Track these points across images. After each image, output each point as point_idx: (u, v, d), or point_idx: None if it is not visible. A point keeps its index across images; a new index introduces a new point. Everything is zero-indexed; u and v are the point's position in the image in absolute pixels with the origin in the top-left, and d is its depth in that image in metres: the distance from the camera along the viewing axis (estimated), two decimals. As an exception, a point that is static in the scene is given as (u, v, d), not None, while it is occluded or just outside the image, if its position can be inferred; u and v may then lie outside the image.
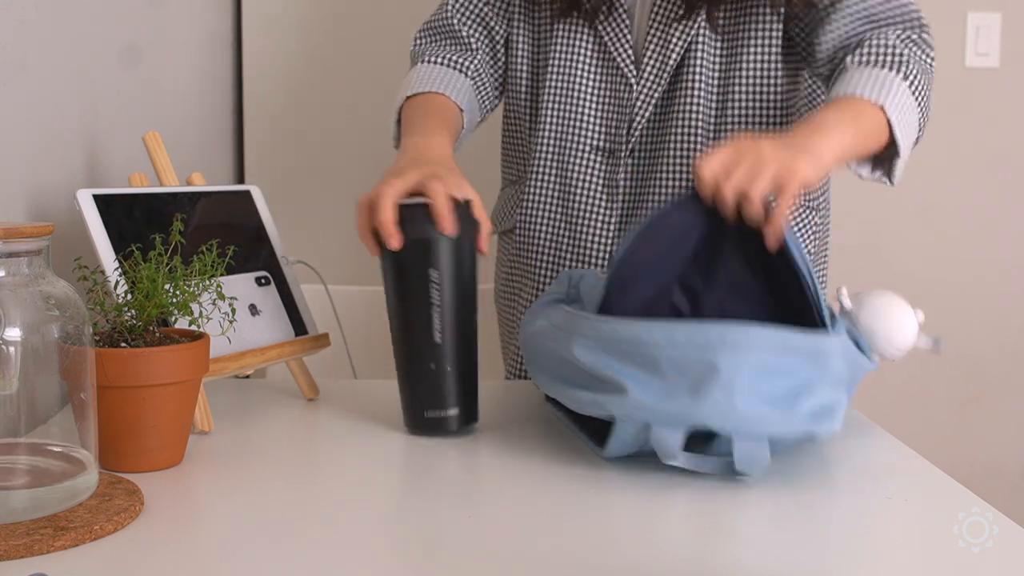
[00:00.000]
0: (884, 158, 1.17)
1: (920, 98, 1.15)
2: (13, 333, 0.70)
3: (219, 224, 1.05)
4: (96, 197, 0.95)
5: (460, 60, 1.28)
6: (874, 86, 1.12)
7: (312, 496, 0.78)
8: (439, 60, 1.28)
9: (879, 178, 1.18)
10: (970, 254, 2.27)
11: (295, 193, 1.91)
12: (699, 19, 1.21)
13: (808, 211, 1.29)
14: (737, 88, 1.23)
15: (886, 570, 0.65)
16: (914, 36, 1.17)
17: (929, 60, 1.19)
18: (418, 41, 1.33)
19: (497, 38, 1.31)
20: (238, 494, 0.78)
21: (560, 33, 1.26)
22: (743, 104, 1.23)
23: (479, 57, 1.30)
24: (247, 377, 1.15)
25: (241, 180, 1.91)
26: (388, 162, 1.92)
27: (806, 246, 1.29)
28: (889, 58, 1.15)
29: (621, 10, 1.23)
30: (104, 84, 1.20)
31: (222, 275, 0.95)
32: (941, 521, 0.74)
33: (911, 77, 1.14)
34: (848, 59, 1.16)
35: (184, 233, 0.98)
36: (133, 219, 0.97)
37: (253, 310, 1.04)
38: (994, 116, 2.24)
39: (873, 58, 1.15)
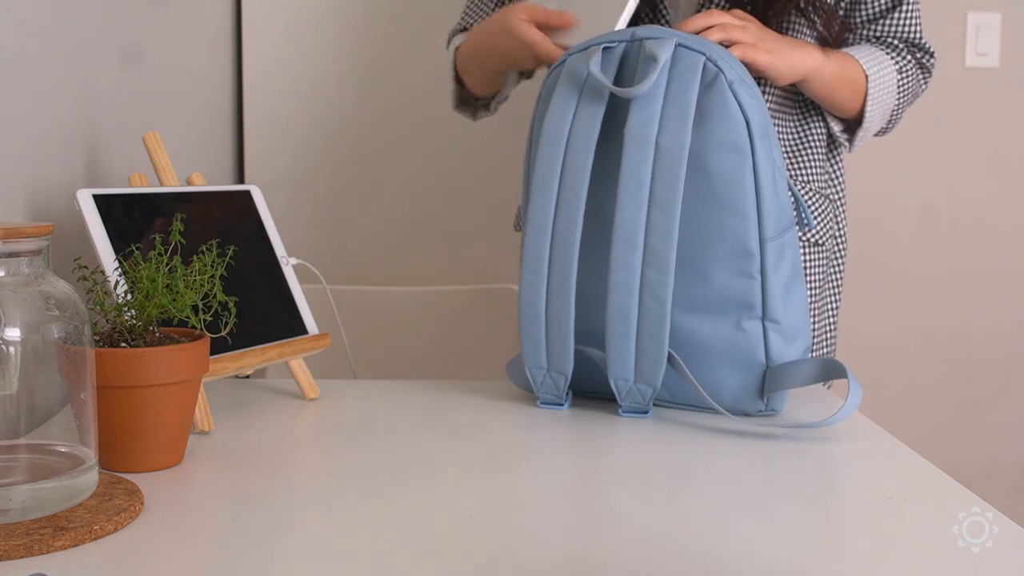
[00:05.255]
0: (849, 127, 1.31)
1: (901, 95, 1.31)
2: (13, 333, 0.70)
3: (219, 224, 1.05)
4: (96, 197, 0.95)
5: None
6: (870, 58, 1.27)
7: (312, 496, 0.78)
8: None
9: (845, 138, 1.32)
10: (970, 254, 2.27)
11: (295, 193, 1.91)
12: None
13: (822, 200, 1.31)
14: (770, 85, 1.28)
15: (886, 570, 0.65)
16: (923, 60, 1.33)
17: (923, 81, 1.35)
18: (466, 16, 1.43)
19: None
20: (238, 494, 0.78)
21: None
22: (776, 100, 1.29)
23: None
24: (247, 377, 1.15)
25: (241, 180, 1.91)
26: (388, 161, 1.93)
27: (822, 234, 1.32)
28: (893, 52, 1.30)
29: (663, 6, 1.26)
30: (104, 84, 1.20)
31: (222, 275, 0.95)
32: (941, 521, 0.74)
33: (903, 74, 1.29)
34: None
35: (184, 233, 0.98)
36: (133, 219, 0.97)
37: (253, 310, 1.04)
38: (994, 116, 2.24)
39: (879, 44, 1.30)
